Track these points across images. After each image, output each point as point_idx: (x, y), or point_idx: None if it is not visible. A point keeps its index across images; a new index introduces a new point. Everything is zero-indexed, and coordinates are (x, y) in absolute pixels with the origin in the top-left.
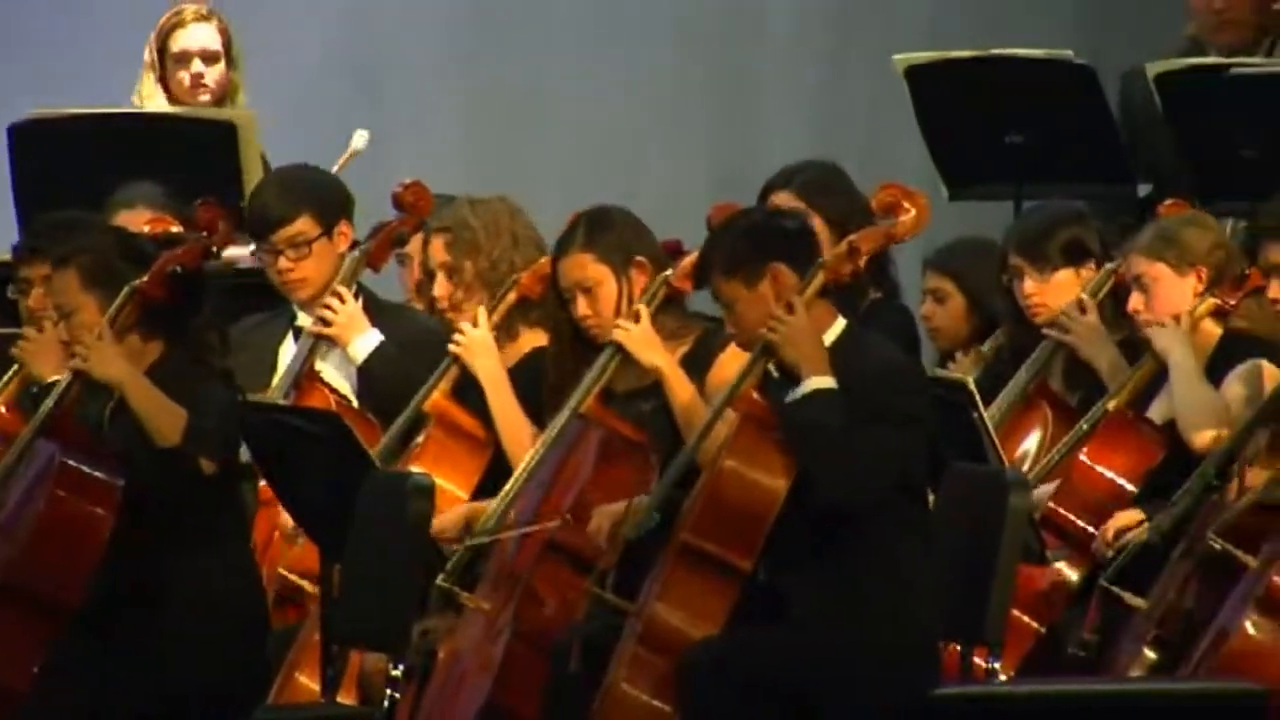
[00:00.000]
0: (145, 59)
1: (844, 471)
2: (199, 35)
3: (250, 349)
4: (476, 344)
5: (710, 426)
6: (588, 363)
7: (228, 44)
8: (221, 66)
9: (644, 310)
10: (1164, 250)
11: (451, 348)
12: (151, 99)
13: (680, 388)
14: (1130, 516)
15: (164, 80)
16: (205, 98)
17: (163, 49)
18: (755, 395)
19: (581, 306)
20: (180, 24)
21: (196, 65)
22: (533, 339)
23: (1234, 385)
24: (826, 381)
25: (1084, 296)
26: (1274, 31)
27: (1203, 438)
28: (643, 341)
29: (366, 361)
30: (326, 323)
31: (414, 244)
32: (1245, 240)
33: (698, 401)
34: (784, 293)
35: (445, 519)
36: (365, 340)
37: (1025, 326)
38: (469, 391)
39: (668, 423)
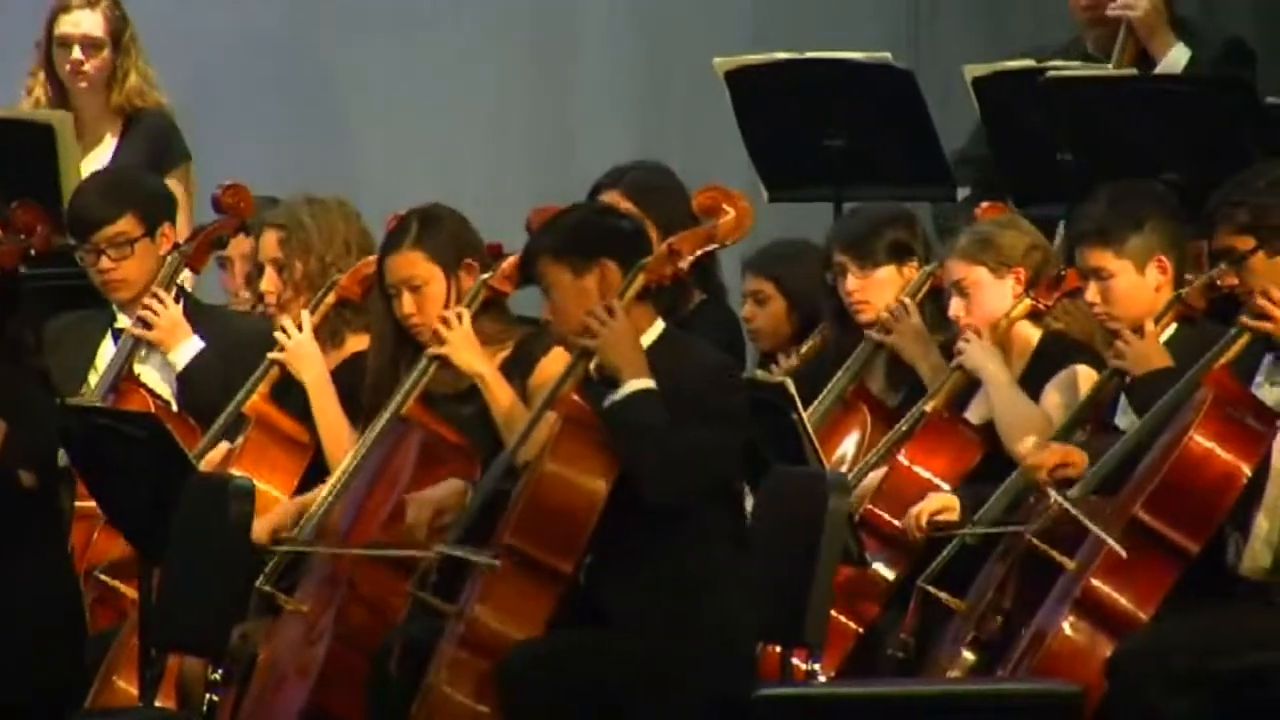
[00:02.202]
0: (38, 40)
1: (667, 470)
2: (82, 21)
3: (67, 347)
4: (301, 350)
5: (531, 429)
6: (410, 363)
7: (116, 32)
8: (106, 54)
9: (465, 314)
10: (981, 254)
11: (274, 354)
12: (35, 78)
13: (500, 393)
14: (943, 501)
15: (49, 63)
16: (83, 84)
17: (49, 31)
18: (576, 398)
19: (406, 304)
20: (65, 8)
21: (76, 52)
22: (358, 344)
23: (1051, 394)
24: (646, 383)
25: (905, 299)
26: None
27: (1025, 446)
28: (463, 347)
29: (187, 368)
30: (147, 325)
31: (234, 246)
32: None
33: (518, 406)
34: (608, 290)
35: (275, 519)
36: (187, 347)
37: (847, 326)
38: (288, 393)
39: (488, 426)
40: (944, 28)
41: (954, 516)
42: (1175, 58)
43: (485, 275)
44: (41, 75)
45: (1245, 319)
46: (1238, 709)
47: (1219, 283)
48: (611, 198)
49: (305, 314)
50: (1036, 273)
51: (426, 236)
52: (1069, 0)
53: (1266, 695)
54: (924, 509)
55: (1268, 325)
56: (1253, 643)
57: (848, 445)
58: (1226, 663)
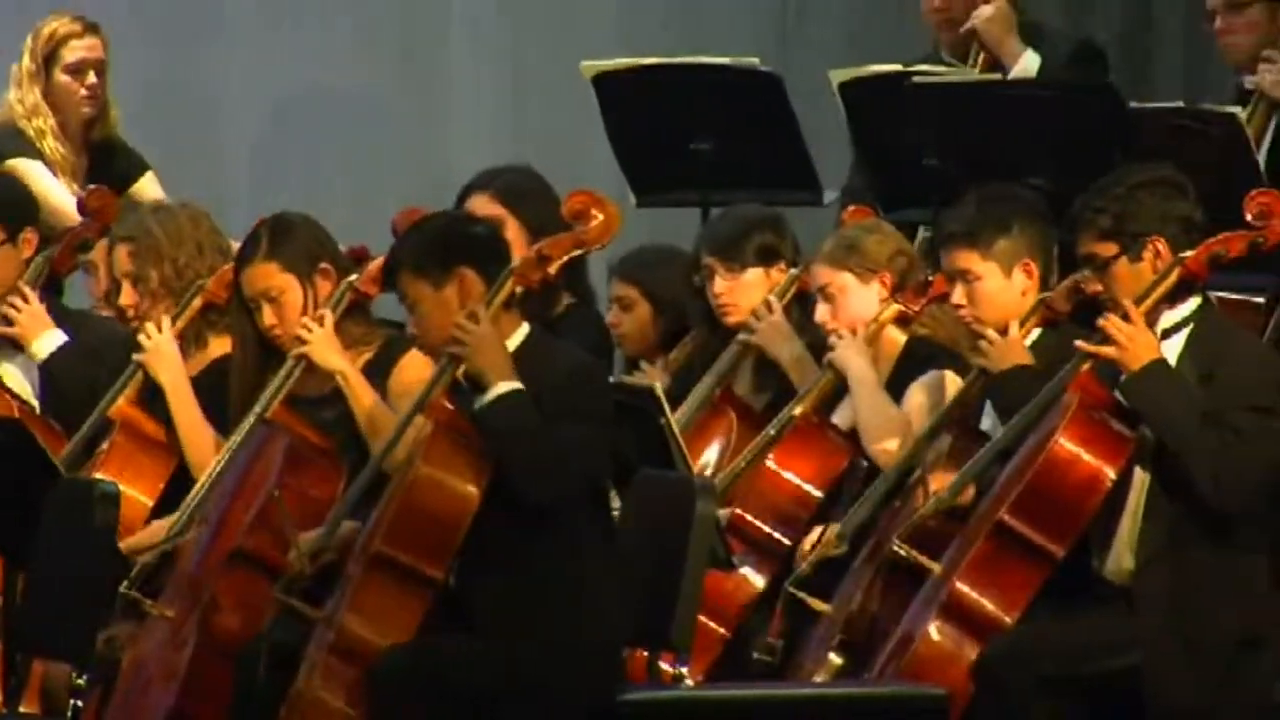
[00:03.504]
0: (25, 68)
1: (542, 469)
2: (95, 46)
3: None
4: (159, 352)
5: (400, 434)
6: (272, 370)
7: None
8: (106, 78)
9: (328, 315)
10: (847, 259)
11: (136, 355)
12: (31, 103)
13: (362, 393)
14: (829, 542)
15: (46, 93)
16: (90, 110)
17: (50, 57)
18: (446, 403)
19: (267, 316)
20: (74, 34)
21: (92, 77)
22: (222, 346)
23: (917, 395)
24: (513, 384)
25: (770, 297)
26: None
27: (884, 449)
28: (324, 347)
29: (49, 360)
30: (9, 322)
31: (98, 251)
32: (928, 248)
33: (380, 407)
34: (469, 298)
35: (140, 540)
36: (48, 339)
37: (716, 329)
38: (154, 398)
39: (350, 430)
40: (812, 32)
41: (830, 544)
42: (1027, 64)
43: (351, 278)
44: (35, 102)
45: (1083, 344)
46: (1102, 712)
47: (1084, 287)
48: (481, 200)
49: (165, 319)
50: (902, 278)
51: (278, 247)
52: (922, 3)
53: (1130, 698)
54: (815, 553)
55: (1109, 350)
56: (1117, 646)
57: (713, 450)
58: (1091, 666)
